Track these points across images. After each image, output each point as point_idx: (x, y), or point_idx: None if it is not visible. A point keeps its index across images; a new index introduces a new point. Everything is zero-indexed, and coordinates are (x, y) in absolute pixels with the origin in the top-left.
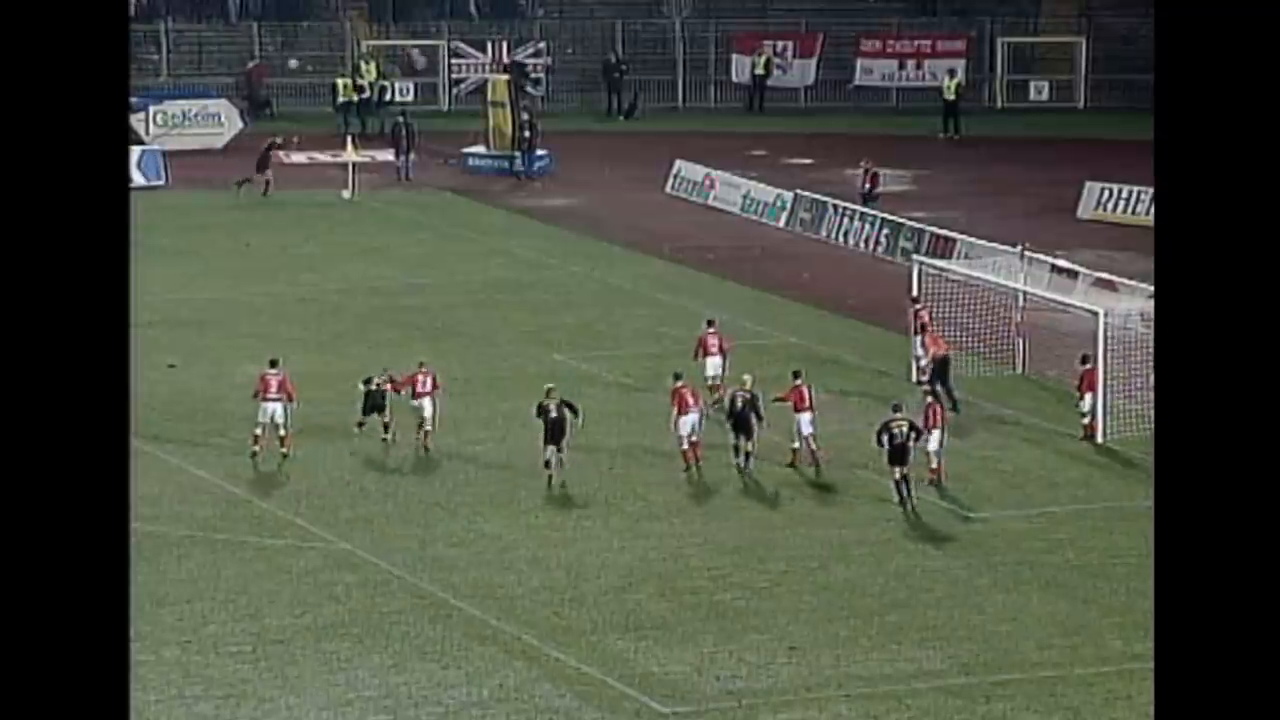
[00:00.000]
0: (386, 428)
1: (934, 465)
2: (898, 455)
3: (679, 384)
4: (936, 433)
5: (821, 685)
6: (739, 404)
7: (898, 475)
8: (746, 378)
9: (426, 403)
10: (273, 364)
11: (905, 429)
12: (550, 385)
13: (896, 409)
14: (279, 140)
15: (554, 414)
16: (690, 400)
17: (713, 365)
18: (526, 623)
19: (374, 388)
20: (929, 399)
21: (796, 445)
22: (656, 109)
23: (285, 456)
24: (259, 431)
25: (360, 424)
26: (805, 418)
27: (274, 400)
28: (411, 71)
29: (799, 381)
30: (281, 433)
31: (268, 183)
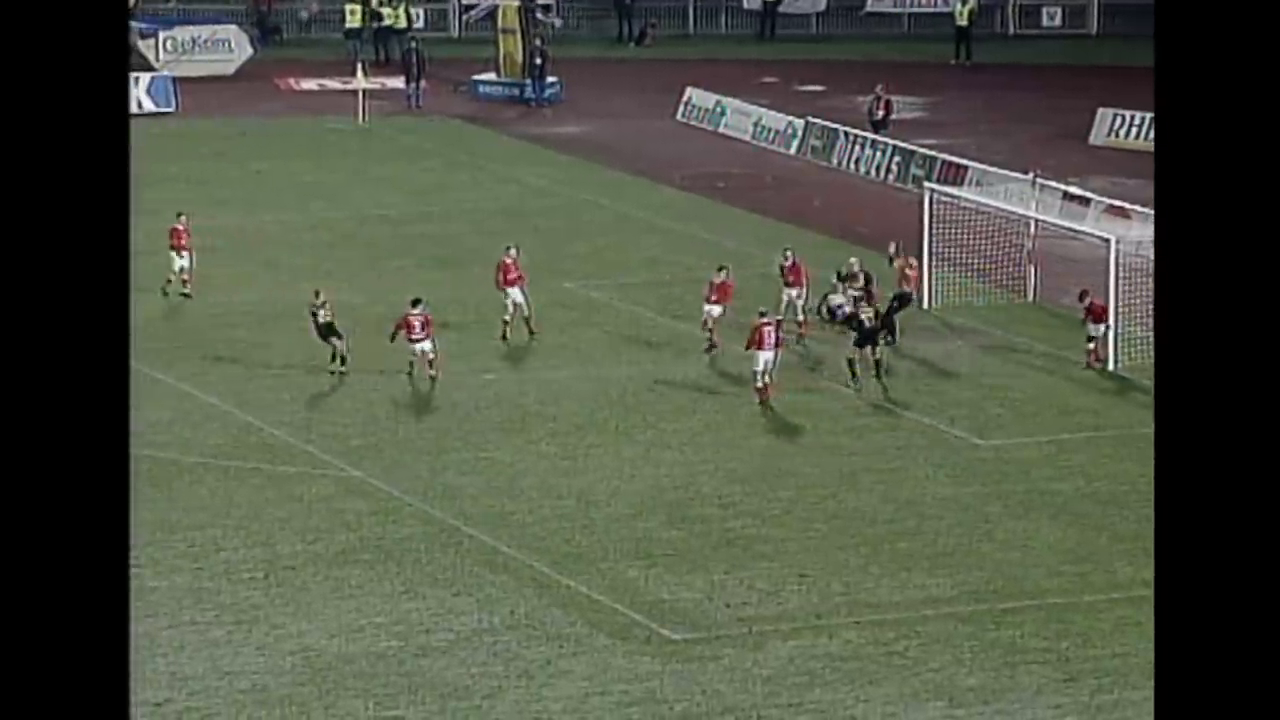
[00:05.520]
0: (343, 360)
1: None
2: (865, 338)
3: (761, 320)
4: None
5: (831, 612)
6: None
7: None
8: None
9: (426, 344)
10: (415, 303)
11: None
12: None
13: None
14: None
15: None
16: (767, 337)
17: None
18: (537, 550)
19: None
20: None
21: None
22: (667, 36)
23: (434, 379)
24: (413, 360)
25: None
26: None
27: (419, 340)
28: None
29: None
30: (431, 357)
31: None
